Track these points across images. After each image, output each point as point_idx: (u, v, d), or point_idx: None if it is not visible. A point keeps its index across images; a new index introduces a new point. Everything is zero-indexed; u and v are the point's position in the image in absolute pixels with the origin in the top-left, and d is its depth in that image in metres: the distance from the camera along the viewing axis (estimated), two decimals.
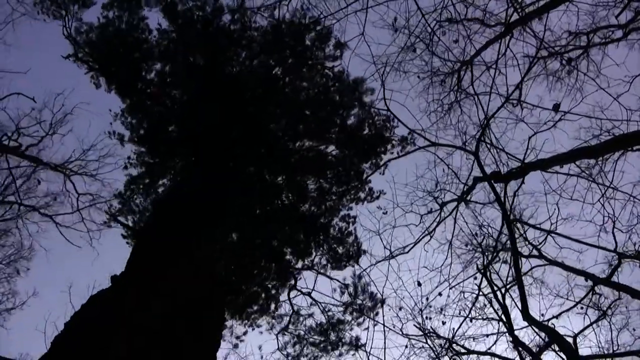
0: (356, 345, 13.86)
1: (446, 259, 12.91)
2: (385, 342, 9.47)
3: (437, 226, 12.75)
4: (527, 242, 12.66)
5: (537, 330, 10.93)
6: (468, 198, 12.55)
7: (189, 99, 13.97)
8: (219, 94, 13.38)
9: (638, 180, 11.15)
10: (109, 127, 15.02)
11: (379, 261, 12.82)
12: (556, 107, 10.73)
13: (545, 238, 12.43)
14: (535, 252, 12.67)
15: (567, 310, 12.24)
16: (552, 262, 12.40)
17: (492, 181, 11.25)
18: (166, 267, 7.64)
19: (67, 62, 13.40)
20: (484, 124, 11.05)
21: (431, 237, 12.73)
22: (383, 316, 10.58)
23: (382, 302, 13.79)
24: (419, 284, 12.56)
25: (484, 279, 11.89)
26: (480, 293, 12.48)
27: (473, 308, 12.78)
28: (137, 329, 6.45)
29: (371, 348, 10.00)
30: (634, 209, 11.37)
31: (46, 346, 6.24)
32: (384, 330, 9.90)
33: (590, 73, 11.37)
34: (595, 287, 12.13)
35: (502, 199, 10.85)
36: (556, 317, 11.99)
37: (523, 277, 10.46)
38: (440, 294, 12.79)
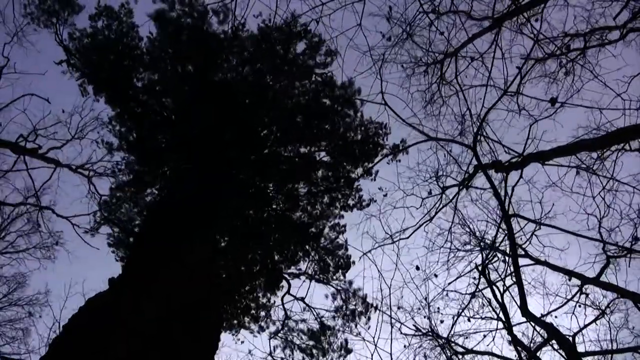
0: (346, 348, 13.81)
1: (445, 242, 12.86)
2: (392, 334, 9.36)
3: (438, 211, 12.60)
4: (517, 244, 12.58)
5: (535, 326, 10.88)
6: (470, 184, 12.43)
7: (180, 106, 13.94)
8: (210, 101, 13.37)
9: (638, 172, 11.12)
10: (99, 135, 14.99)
11: (380, 245, 12.71)
12: (553, 101, 10.78)
13: (530, 237, 12.29)
14: (521, 252, 12.52)
15: (556, 309, 12.08)
16: (538, 262, 12.22)
17: (493, 170, 11.25)
18: (163, 270, 7.61)
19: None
20: (481, 118, 11.03)
21: (431, 219, 12.59)
22: (390, 308, 10.50)
23: (376, 307, 13.75)
24: (417, 269, 12.50)
25: (482, 277, 11.84)
26: (478, 290, 12.44)
27: (471, 307, 12.75)
28: (134, 331, 6.44)
29: (378, 339, 9.88)
30: (624, 207, 11.41)
31: None
32: (391, 322, 9.85)
33: (587, 73, 11.44)
34: (584, 287, 12.01)
35: (504, 192, 10.81)
36: (550, 313, 11.92)
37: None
38: (436, 275, 12.72)
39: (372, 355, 9.44)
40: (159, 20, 13.58)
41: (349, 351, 13.80)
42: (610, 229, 11.63)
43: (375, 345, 9.26)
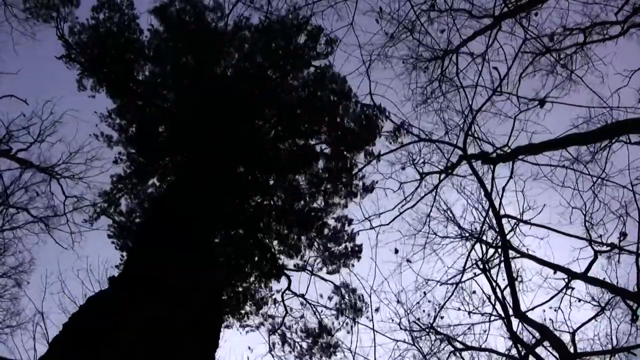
0: (335, 346, 13.83)
1: (423, 226, 12.78)
2: (375, 341, 9.37)
3: (421, 199, 12.37)
4: (496, 232, 12.31)
5: (529, 327, 10.79)
6: (453, 172, 12.25)
7: (181, 99, 13.91)
8: (210, 94, 13.34)
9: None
10: (94, 129, 15.05)
11: (359, 230, 12.88)
12: (542, 103, 10.72)
13: (513, 228, 12.11)
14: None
15: (542, 304, 11.87)
16: (524, 255, 12.08)
17: (480, 162, 11.17)
18: (163, 269, 7.61)
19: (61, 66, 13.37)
20: (471, 119, 10.92)
21: (413, 206, 12.44)
22: (372, 319, 10.50)
23: (377, 309, 13.73)
24: (396, 252, 12.44)
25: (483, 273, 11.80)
26: (468, 279, 12.37)
27: (471, 302, 12.70)
28: (135, 329, 6.45)
29: (356, 347, 9.90)
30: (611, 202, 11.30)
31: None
32: (373, 330, 9.84)
33: (585, 68, 11.39)
34: (571, 282, 11.71)
35: (490, 185, 10.70)
36: (538, 307, 11.80)
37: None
38: (409, 261, 12.61)
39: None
40: (161, 14, 13.54)
41: (337, 346, 13.81)
42: (594, 223, 11.56)
43: (354, 354, 9.29)
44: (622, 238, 10.94)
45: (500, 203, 10.93)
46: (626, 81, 11.06)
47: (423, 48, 11.90)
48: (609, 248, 11.24)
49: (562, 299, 11.91)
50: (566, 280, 11.60)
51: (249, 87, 13.84)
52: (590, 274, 11.03)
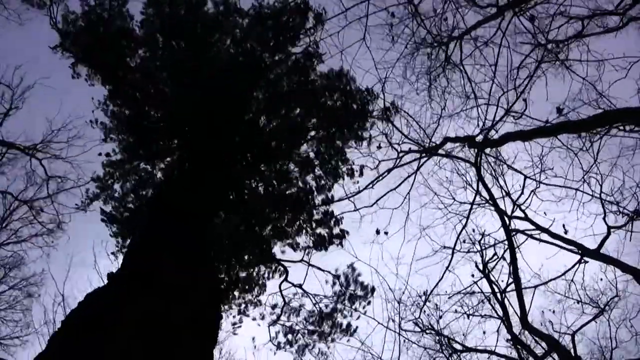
0: (347, 330, 13.81)
1: (402, 203, 12.64)
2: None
3: (403, 181, 12.37)
4: (512, 201, 12.17)
5: (536, 338, 10.67)
6: (435, 153, 12.16)
7: (174, 86, 13.75)
8: (202, 82, 13.18)
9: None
10: (83, 111, 15.09)
11: (343, 213, 13.09)
12: (559, 110, 10.61)
13: (530, 196, 12.04)
14: (520, 214, 12.19)
15: (555, 279, 12.02)
16: (539, 228, 11.99)
17: (467, 145, 11.09)
18: (162, 264, 7.58)
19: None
20: (484, 133, 10.77)
21: (395, 188, 12.40)
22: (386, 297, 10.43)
23: (373, 290, 13.74)
24: (377, 232, 12.38)
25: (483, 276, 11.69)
26: (476, 285, 12.27)
27: (471, 304, 12.58)
28: (132, 324, 6.44)
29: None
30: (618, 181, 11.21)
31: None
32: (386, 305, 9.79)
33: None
34: (584, 258, 11.68)
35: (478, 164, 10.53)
36: (546, 284, 11.70)
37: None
38: (386, 232, 12.52)
39: None
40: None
41: (352, 332, 13.78)
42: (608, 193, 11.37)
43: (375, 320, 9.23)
44: (635, 217, 10.88)
45: (513, 211, 10.65)
46: (624, 73, 11.11)
47: (425, 31, 11.78)
48: (626, 220, 11.11)
49: (574, 275, 11.95)
50: (579, 253, 11.52)
51: (242, 74, 13.63)
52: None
